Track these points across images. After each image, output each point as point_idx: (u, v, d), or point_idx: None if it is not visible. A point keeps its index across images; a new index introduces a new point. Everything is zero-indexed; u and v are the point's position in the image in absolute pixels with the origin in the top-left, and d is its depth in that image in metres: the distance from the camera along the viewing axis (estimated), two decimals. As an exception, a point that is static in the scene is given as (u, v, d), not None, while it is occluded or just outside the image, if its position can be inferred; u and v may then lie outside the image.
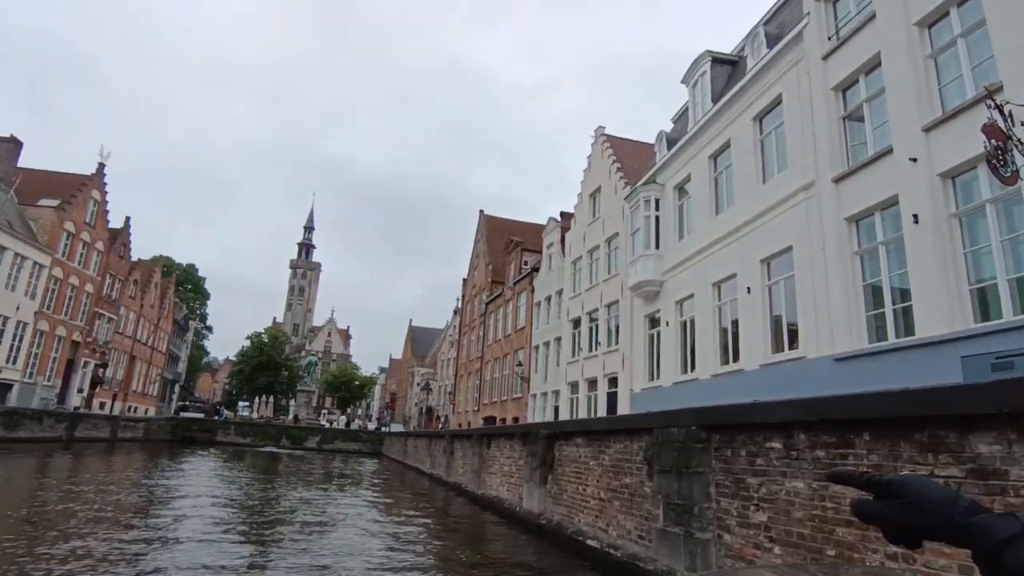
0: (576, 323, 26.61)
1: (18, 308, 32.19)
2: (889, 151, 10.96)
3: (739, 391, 13.82)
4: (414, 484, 21.71)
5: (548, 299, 30.35)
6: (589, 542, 6.94)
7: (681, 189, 19.98)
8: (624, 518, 6.37)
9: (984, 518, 0.69)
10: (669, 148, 20.92)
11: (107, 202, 39.71)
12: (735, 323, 15.67)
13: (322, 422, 56.03)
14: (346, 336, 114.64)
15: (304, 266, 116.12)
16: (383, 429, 62.37)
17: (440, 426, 52.32)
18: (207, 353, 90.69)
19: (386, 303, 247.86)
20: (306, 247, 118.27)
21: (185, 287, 72.63)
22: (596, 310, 24.80)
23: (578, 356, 25.70)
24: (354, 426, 59.66)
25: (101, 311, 40.33)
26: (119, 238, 41.53)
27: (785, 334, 13.61)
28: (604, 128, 27.51)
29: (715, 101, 17.72)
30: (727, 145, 16.90)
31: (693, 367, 17.63)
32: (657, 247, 20.32)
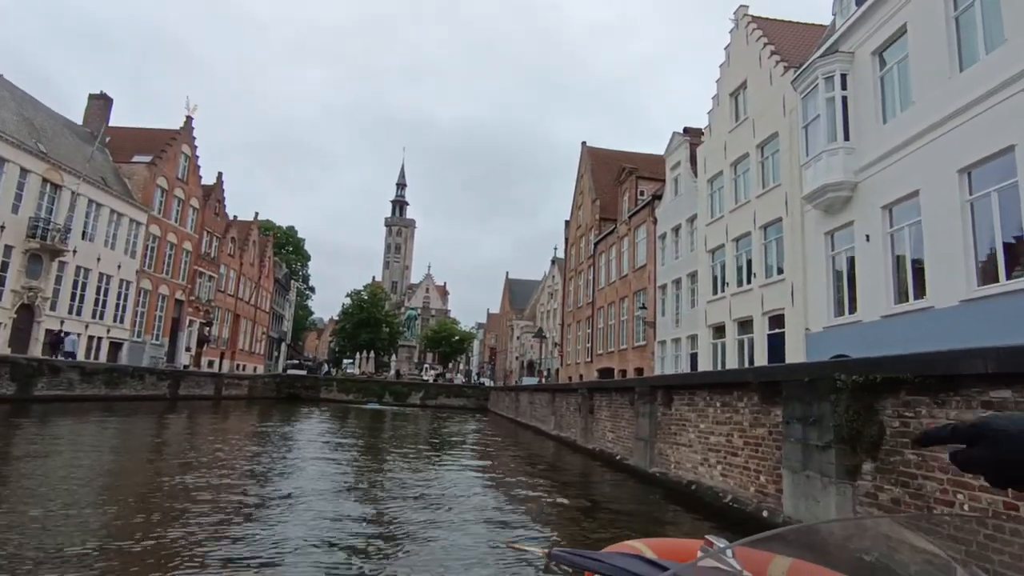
0: (717, 253, 21.84)
1: (120, 267, 31.65)
2: None
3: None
4: (538, 449, 18.27)
5: (676, 229, 25.60)
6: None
7: (882, 55, 14.55)
8: None
9: None
10: (858, 3, 15.43)
11: (198, 157, 38.64)
12: (1009, 221, 10.59)
13: (426, 377, 54.55)
14: (444, 292, 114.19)
15: (399, 223, 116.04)
16: (484, 382, 60.45)
17: (543, 380, 49.24)
18: (311, 313, 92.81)
19: (478, 259, 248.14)
20: (400, 204, 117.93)
21: (286, 249, 73.39)
22: (747, 234, 19.93)
23: (723, 293, 21.03)
24: (457, 381, 57.98)
25: (201, 269, 39.84)
26: (213, 194, 40.62)
27: None
28: (747, 8, 21.91)
29: (952, -95, 12.13)
30: (981, -38, 11.40)
31: (919, 292, 12.67)
32: (847, 138, 15.13)
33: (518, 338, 77.35)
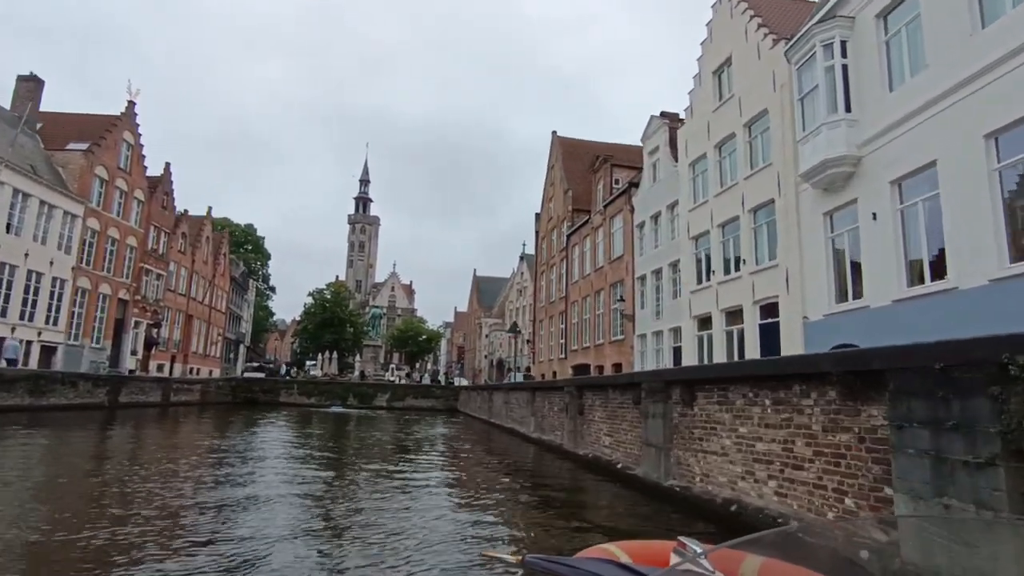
0: (702, 240, 20.64)
1: (52, 263, 28.87)
2: None
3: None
4: (516, 454, 16.72)
5: (655, 217, 24.35)
6: None
7: (887, 18, 13.43)
8: None
9: None
10: (859, -36, 14.28)
11: (142, 146, 35.88)
12: (1048, 190, 9.47)
13: (392, 378, 52.48)
14: (410, 291, 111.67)
15: (362, 220, 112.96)
16: (455, 381, 58.64)
17: (516, 377, 47.70)
18: (272, 314, 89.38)
19: (443, 257, 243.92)
20: (363, 201, 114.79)
21: (245, 247, 70.21)
22: (734, 219, 18.74)
23: (709, 282, 19.82)
24: (425, 381, 56.03)
25: (148, 266, 37.05)
26: (160, 187, 37.84)
27: None
28: (730, -20, 20.70)
29: None
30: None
31: (937, 273, 11.54)
32: (848, 110, 13.98)
33: (487, 336, 75.81)
